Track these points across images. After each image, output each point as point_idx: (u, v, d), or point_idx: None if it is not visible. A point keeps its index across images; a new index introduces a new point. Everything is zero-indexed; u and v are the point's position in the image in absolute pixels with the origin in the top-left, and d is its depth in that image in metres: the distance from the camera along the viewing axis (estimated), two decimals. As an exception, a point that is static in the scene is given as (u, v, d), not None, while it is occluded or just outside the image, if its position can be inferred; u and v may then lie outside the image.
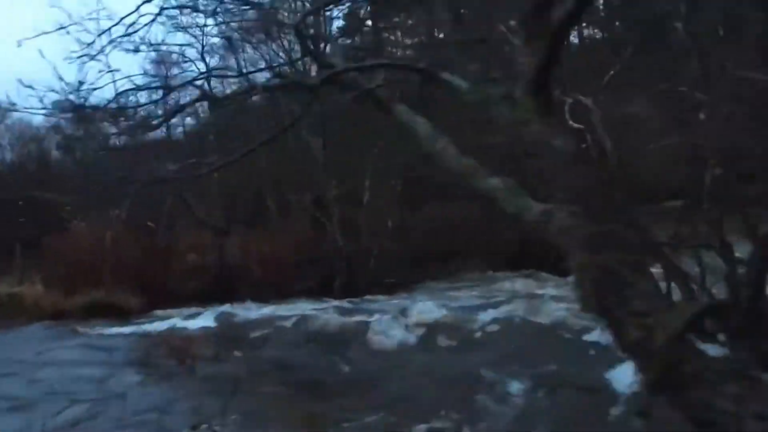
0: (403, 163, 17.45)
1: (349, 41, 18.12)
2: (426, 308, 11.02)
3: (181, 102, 6.31)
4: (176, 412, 6.58)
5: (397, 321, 10.31)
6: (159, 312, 15.07)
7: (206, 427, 4.95)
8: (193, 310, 14.69)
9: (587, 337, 8.76)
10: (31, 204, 23.40)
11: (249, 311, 14.02)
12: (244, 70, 6.96)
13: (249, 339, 10.69)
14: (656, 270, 6.77)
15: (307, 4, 11.20)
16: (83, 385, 8.32)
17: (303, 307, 13.35)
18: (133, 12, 5.20)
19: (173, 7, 5.65)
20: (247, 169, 19.45)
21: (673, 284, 6.88)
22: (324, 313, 11.99)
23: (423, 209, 19.77)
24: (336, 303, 14.66)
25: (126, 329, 12.63)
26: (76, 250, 18.08)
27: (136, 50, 5.33)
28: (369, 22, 21.07)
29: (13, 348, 11.61)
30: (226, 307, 14.82)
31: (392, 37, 23.07)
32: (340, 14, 16.78)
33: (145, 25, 5.22)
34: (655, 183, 10.51)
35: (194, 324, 12.76)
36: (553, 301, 10.97)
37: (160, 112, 5.68)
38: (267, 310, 13.92)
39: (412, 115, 3.86)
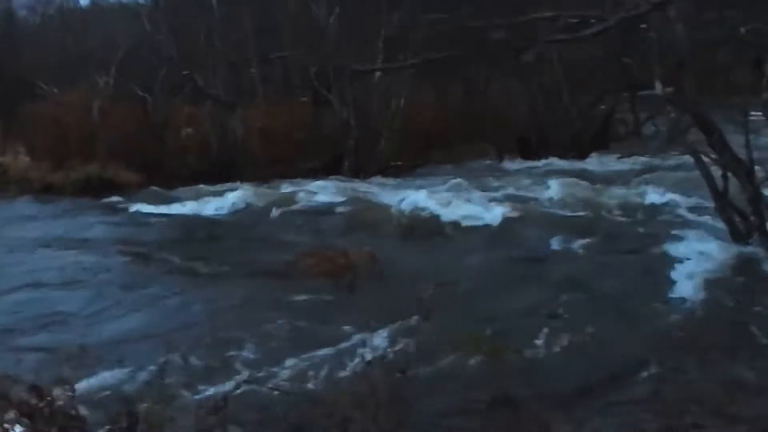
0: (421, 35, 16.20)
1: None
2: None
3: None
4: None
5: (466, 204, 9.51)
6: (168, 191, 14.01)
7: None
8: (202, 188, 13.78)
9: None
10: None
11: (270, 190, 13.08)
12: None
13: (303, 224, 9.70)
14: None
15: None
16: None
17: (323, 187, 12.47)
18: None
19: None
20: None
21: None
22: (355, 194, 11.18)
23: (436, 88, 18.83)
24: (357, 184, 13.83)
25: (143, 207, 11.70)
26: (60, 121, 16.78)
27: None
28: None
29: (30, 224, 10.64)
30: (237, 187, 13.92)
31: None
32: None
33: None
34: None
35: (218, 205, 11.82)
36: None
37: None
38: (286, 189, 13.01)
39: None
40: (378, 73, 16.65)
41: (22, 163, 16.43)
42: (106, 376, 4.44)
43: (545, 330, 4.95)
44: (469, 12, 13.55)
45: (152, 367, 4.38)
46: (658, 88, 10.50)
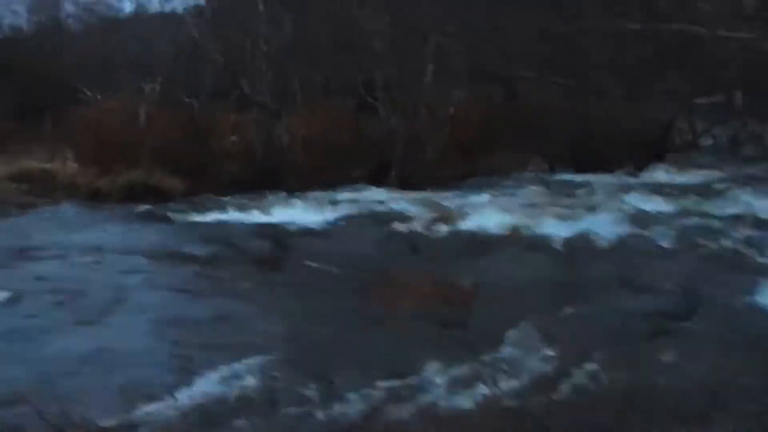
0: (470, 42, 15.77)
1: None
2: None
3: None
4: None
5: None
6: (220, 199, 13.60)
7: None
8: (255, 197, 13.38)
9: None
10: (45, 76, 21.79)
11: (326, 199, 12.61)
12: None
13: (379, 238, 9.10)
14: None
15: None
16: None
17: (383, 196, 11.94)
18: None
19: None
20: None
21: None
22: (418, 204, 10.57)
23: (476, 91, 18.25)
24: (414, 194, 13.31)
25: (198, 217, 11.33)
26: (106, 126, 16.70)
27: None
28: None
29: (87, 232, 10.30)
30: (289, 195, 13.53)
31: None
32: None
33: None
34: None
35: (280, 214, 11.33)
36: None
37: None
38: (343, 198, 12.54)
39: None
40: (428, 78, 16.23)
41: (70, 169, 16.37)
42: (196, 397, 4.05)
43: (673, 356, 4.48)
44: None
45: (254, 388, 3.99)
46: (738, 97, 9.88)
